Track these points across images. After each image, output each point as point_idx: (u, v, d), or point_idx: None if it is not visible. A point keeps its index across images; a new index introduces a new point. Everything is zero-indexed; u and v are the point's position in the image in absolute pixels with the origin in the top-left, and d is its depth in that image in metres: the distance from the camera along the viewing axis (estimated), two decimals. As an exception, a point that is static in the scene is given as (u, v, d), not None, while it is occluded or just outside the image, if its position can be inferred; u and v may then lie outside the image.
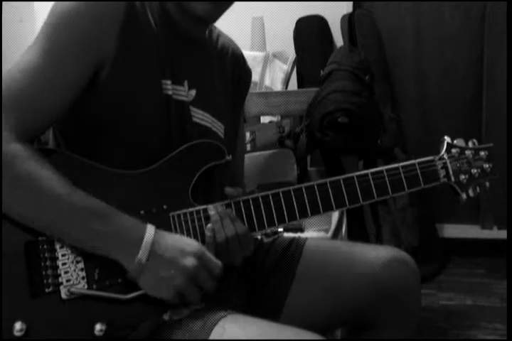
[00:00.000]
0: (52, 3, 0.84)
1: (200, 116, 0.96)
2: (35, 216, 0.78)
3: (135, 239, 0.78)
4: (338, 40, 2.70)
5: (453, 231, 2.70)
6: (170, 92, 0.90)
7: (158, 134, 0.89)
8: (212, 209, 0.86)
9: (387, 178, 0.92)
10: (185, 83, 0.94)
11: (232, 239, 0.86)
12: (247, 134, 2.10)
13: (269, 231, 1.34)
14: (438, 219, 2.67)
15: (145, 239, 0.78)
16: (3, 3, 2.42)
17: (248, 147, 2.07)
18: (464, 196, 0.97)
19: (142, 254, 0.77)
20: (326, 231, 1.66)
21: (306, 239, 1.06)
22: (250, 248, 0.90)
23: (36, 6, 2.76)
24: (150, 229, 0.79)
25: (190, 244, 0.81)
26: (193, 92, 0.95)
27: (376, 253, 0.98)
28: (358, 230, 2.37)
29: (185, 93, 0.93)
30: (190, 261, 0.78)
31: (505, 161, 1.52)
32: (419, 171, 0.94)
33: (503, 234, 2.53)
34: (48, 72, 0.81)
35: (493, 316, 2.02)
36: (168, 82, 0.90)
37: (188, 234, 0.86)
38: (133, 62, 0.86)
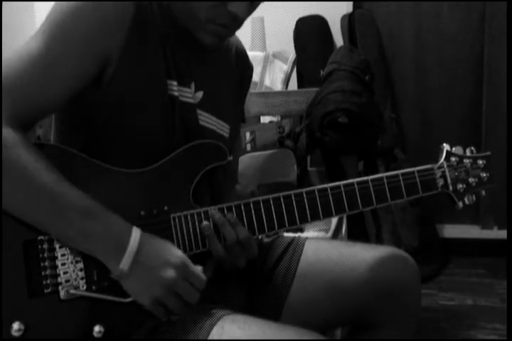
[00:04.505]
0: (52, 3, 0.84)
1: (207, 119, 0.95)
2: (23, 207, 0.75)
3: (120, 245, 0.77)
4: (338, 40, 2.70)
5: (453, 231, 2.70)
6: (176, 93, 0.89)
7: (160, 134, 0.89)
8: (209, 219, 0.86)
9: (386, 185, 0.92)
10: (192, 85, 0.93)
11: (234, 243, 0.86)
12: (247, 134, 2.10)
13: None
14: (438, 219, 2.67)
15: (129, 248, 0.76)
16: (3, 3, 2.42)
17: (248, 147, 2.07)
18: (461, 204, 0.99)
19: (125, 263, 0.76)
20: (326, 231, 1.66)
21: (306, 238, 1.06)
22: (253, 251, 0.90)
23: (36, 6, 2.76)
24: (135, 236, 0.77)
25: (174, 254, 0.80)
26: (200, 94, 0.95)
27: (374, 252, 0.98)
28: (358, 230, 2.37)
29: (191, 95, 0.92)
30: (170, 273, 0.77)
31: (505, 160, 1.52)
32: (418, 179, 0.94)
33: (503, 234, 2.53)
34: (47, 63, 0.79)
35: (493, 316, 2.02)
36: (174, 83, 0.89)
37: (189, 236, 0.85)
38: (139, 61, 0.85)
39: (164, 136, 0.89)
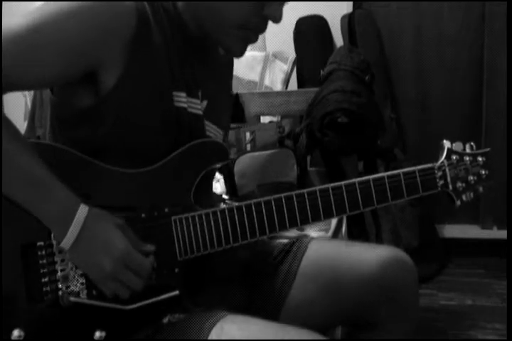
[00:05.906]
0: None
1: (210, 129, 0.95)
2: None
3: (65, 219, 0.76)
4: (338, 40, 2.70)
5: (453, 231, 2.70)
6: (185, 105, 0.88)
7: (164, 145, 0.87)
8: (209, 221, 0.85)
9: (387, 185, 0.91)
10: (199, 94, 0.92)
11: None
12: (247, 134, 2.10)
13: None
14: (438, 219, 2.67)
15: (74, 223, 0.76)
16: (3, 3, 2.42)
17: (248, 147, 2.07)
18: (459, 203, 0.97)
19: (66, 241, 0.76)
20: (326, 231, 1.66)
21: (310, 238, 1.06)
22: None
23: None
24: (80, 214, 0.76)
25: (115, 245, 0.78)
26: (205, 104, 0.94)
27: (374, 253, 0.98)
28: (358, 230, 2.37)
29: (200, 106, 0.92)
30: (109, 264, 0.77)
31: (505, 161, 1.52)
32: (418, 179, 0.93)
33: (503, 234, 2.54)
34: (29, 50, 0.77)
35: (492, 316, 2.02)
36: (183, 94, 0.88)
37: (190, 239, 0.85)
38: (143, 74, 0.83)
39: (167, 146, 0.87)
